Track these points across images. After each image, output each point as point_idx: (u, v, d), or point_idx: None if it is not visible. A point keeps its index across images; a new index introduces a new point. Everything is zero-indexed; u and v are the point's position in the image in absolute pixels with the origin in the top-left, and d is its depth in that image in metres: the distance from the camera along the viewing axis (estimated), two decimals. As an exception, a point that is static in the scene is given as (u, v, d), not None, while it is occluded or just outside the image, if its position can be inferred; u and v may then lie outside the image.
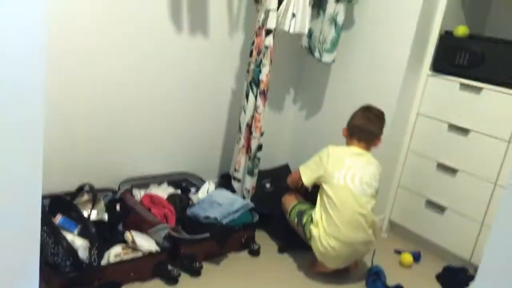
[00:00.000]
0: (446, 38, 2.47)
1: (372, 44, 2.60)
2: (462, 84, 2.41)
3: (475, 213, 2.39)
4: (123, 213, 2.19)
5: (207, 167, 2.83)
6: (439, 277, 2.37)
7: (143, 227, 2.10)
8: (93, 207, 1.95)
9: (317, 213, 2.15)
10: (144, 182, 2.54)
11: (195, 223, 2.22)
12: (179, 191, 2.56)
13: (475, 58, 2.34)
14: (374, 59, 2.60)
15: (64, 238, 1.75)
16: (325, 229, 2.09)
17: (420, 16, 2.39)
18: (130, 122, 2.41)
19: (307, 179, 2.22)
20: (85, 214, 1.95)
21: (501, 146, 2.27)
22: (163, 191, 2.53)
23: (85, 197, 2.12)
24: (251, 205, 2.37)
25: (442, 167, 2.52)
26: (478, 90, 2.34)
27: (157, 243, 2.02)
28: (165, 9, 2.31)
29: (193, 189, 2.65)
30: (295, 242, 2.36)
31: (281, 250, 2.41)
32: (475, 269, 2.34)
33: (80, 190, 2.02)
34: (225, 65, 2.65)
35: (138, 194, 2.44)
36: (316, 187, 2.23)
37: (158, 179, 2.60)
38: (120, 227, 2.15)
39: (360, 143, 2.20)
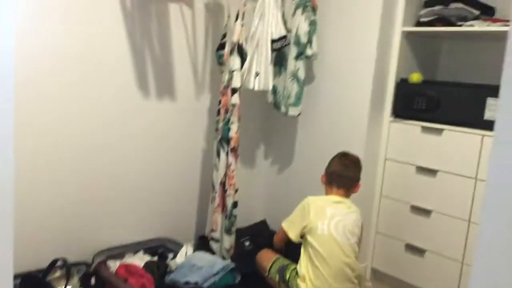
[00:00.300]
0: (402, 86, 2.60)
1: (334, 96, 2.71)
2: (423, 127, 2.51)
3: (454, 253, 2.41)
4: (99, 286, 2.10)
5: (183, 230, 2.78)
6: (428, 321, 2.35)
7: (120, 300, 2.01)
8: (67, 283, 1.85)
9: (303, 266, 2.11)
10: (119, 252, 2.46)
11: (175, 290, 2.14)
12: (156, 258, 2.49)
13: (431, 102, 2.47)
14: (338, 110, 2.69)
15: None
16: (313, 283, 2.05)
17: (376, 67, 2.53)
18: (100, 191, 2.38)
19: (293, 234, 2.18)
20: (59, 291, 1.86)
21: (469, 183, 2.34)
22: (140, 260, 2.44)
23: (58, 273, 2.04)
24: (232, 265, 2.31)
25: (416, 209, 2.56)
26: (439, 131, 2.45)
27: (137, 316, 1.93)
28: (132, 77, 2.38)
29: (170, 255, 2.57)
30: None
31: (266, 310, 2.33)
32: (463, 309, 2.34)
33: (52, 265, 1.94)
34: (194, 126, 2.70)
35: (113, 265, 2.35)
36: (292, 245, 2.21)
37: (134, 248, 2.53)
38: (97, 302, 2.05)
39: (340, 190, 2.22)
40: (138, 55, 2.37)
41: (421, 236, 2.55)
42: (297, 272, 2.14)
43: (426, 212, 2.52)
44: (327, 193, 2.26)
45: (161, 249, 2.62)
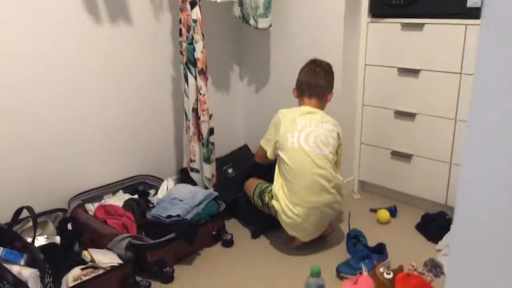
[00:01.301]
0: (378, -20, 2.37)
1: (305, 2, 2.47)
2: (403, 24, 2.32)
3: (442, 155, 2.32)
4: (76, 231, 1.99)
5: (163, 164, 2.65)
6: (419, 227, 2.31)
7: (101, 242, 1.92)
8: (35, 231, 1.74)
9: (276, 185, 2.04)
10: (97, 194, 2.35)
11: (158, 225, 2.05)
12: (136, 197, 2.38)
13: (411, -5, 2.26)
14: (311, 17, 2.47)
15: (9, 271, 1.56)
16: (288, 198, 1.99)
17: (348, -38, 2.28)
18: (69, 131, 2.20)
19: (270, 152, 2.09)
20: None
21: (454, 79, 2.20)
22: (120, 200, 2.34)
23: (30, 223, 1.91)
24: (215, 193, 2.22)
25: (400, 114, 2.44)
26: (420, 26, 2.26)
27: (119, 256, 1.85)
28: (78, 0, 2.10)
29: (152, 191, 2.48)
30: (267, 223, 2.24)
31: (254, 235, 2.27)
32: (453, 210, 2.29)
33: (17, 215, 1.81)
34: (156, 51, 2.46)
35: (92, 207, 2.25)
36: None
37: (112, 188, 2.42)
38: (77, 247, 1.95)
39: (311, 100, 2.09)
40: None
41: (407, 142, 2.45)
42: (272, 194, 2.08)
43: (410, 116, 2.40)
44: (299, 105, 2.13)
45: (141, 187, 2.52)
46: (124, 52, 2.32)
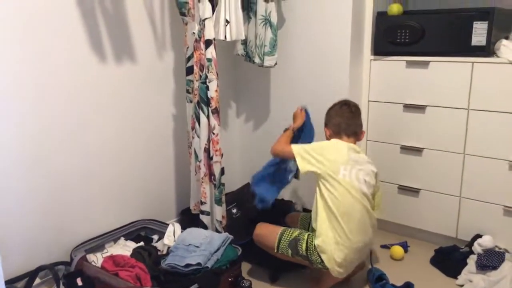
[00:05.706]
0: (381, 19, 2.42)
1: (310, 40, 2.47)
2: (408, 62, 2.37)
3: (451, 188, 2.35)
4: (88, 287, 1.81)
5: (162, 207, 2.53)
6: (434, 262, 2.30)
7: (116, 298, 1.75)
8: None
9: (323, 228, 1.91)
10: (98, 243, 2.17)
11: (176, 275, 1.91)
12: (141, 244, 2.22)
13: (415, 33, 2.32)
14: (315, 55, 2.47)
15: None
16: (337, 241, 1.89)
17: (353, 1, 2.32)
18: (61, 177, 2.02)
19: (304, 168, 1.94)
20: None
21: (462, 114, 2.25)
22: (123, 248, 2.18)
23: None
24: (230, 237, 2.10)
25: (406, 149, 2.46)
26: (425, 64, 2.32)
27: (141, 313, 1.69)
28: (83, 39, 1.99)
29: (155, 237, 2.33)
30: (284, 264, 2.13)
31: (272, 278, 2.17)
32: (465, 244, 2.31)
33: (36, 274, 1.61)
34: (160, 89, 2.38)
35: (95, 258, 2.07)
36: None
37: (113, 236, 2.25)
38: (88, 305, 1.77)
39: (350, 139, 2.05)
40: (87, 14, 1.98)
41: (414, 176, 2.47)
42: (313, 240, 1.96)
43: (417, 151, 2.43)
44: None
45: (143, 232, 2.37)
46: (128, 91, 2.22)
